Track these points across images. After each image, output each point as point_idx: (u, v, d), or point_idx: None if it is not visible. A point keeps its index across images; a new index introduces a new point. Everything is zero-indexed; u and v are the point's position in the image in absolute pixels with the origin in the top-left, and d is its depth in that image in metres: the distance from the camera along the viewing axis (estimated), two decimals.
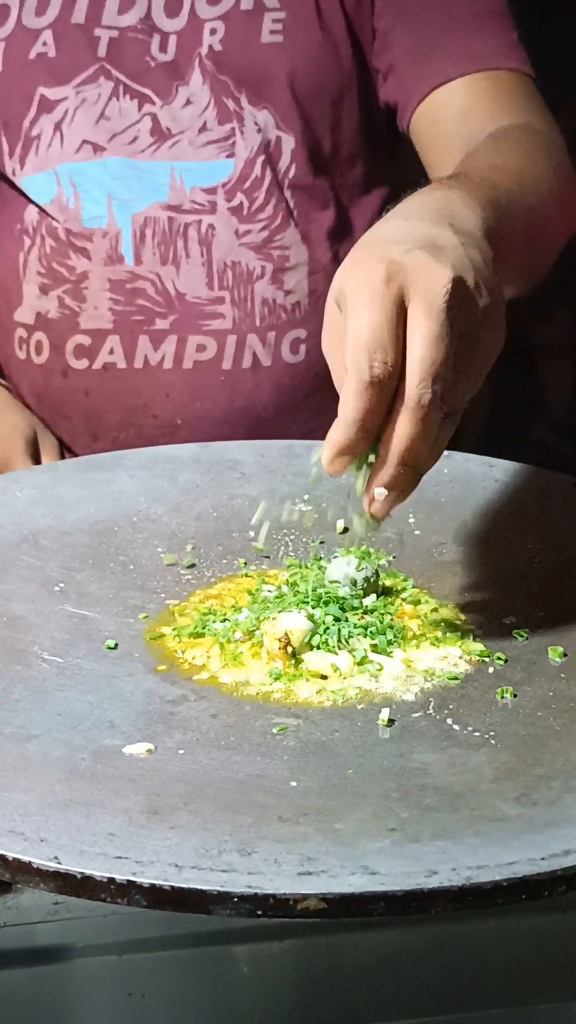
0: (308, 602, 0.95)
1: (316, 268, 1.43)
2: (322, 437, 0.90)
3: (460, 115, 1.36)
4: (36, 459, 1.43)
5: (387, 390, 0.87)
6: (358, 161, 1.46)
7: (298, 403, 1.43)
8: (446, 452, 1.17)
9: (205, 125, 1.40)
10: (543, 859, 0.71)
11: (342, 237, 1.44)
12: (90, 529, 1.09)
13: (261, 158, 1.40)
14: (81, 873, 0.71)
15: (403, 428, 0.87)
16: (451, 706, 0.88)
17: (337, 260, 1.40)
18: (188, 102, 1.40)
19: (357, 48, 1.43)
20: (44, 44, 1.42)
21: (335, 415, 0.89)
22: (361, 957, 0.99)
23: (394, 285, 0.87)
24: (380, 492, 0.90)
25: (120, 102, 1.41)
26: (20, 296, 1.45)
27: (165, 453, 1.21)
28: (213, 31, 1.40)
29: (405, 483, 0.90)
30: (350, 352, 0.86)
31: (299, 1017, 0.97)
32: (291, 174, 1.42)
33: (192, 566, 1.06)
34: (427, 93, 1.38)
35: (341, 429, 0.87)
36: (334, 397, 0.89)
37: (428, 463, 0.90)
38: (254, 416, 1.42)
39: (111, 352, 1.41)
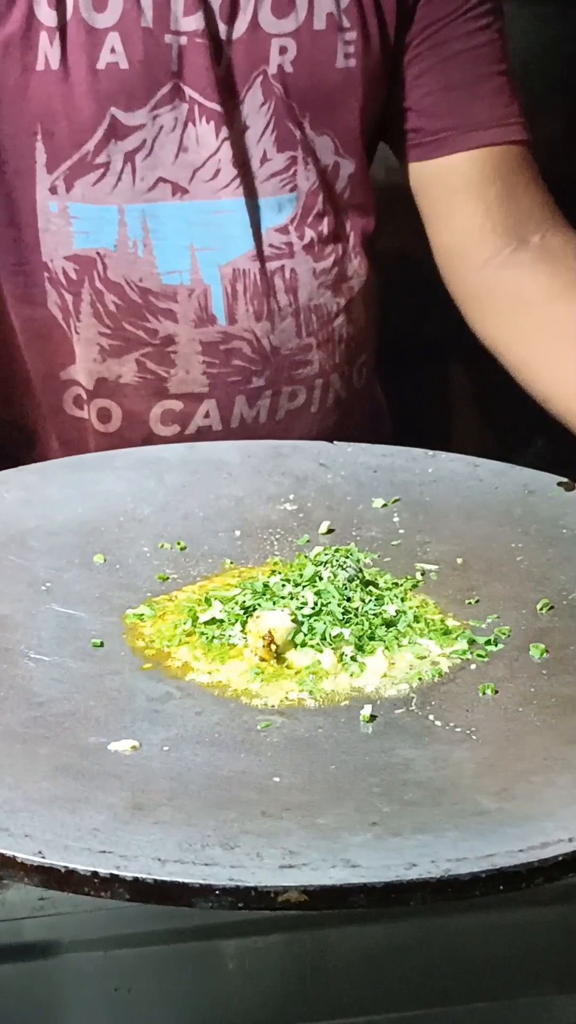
0: (292, 600, 0.96)
1: (369, 286, 1.35)
2: None
3: (476, 186, 1.30)
4: None
5: None
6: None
7: (363, 427, 1.36)
8: (430, 452, 1.19)
9: (265, 155, 1.25)
10: (521, 851, 0.72)
11: (372, 246, 1.35)
12: (77, 529, 1.09)
13: (322, 189, 1.29)
14: (65, 867, 0.72)
15: None
16: (433, 703, 0.89)
17: (371, 271, 1.35)
18: (246, 126, 1.25)
19: (387, 59, 1.30)
20: (113, 51, 1.20)
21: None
22: (346, 952, 0.99)
23: None
24: None
25: (197, 128, 1.23)
26: (72, 354, 1.29)
27: (153, 454, 1.21)
28: (283, 49, 1.23)
29: None
30: None
31: (285, 1011, 0.97)
32: (346, 197, 1.31)
33: (184, 548, 1.07)
34: (473, 147, 1.30)
35: None
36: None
37: None
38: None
39: (206, 416, 1.29)
